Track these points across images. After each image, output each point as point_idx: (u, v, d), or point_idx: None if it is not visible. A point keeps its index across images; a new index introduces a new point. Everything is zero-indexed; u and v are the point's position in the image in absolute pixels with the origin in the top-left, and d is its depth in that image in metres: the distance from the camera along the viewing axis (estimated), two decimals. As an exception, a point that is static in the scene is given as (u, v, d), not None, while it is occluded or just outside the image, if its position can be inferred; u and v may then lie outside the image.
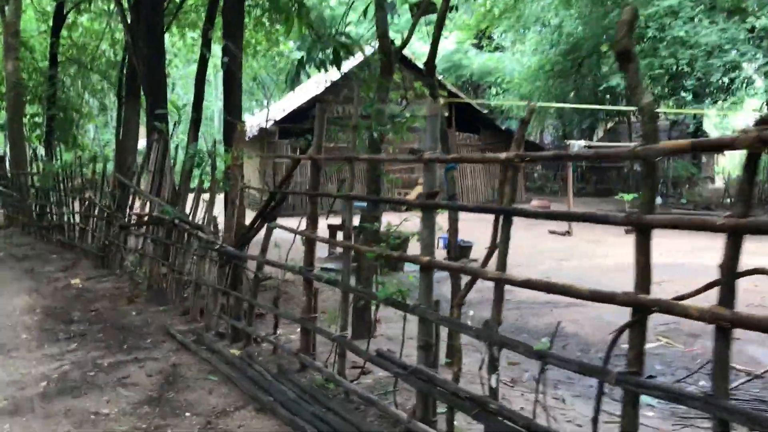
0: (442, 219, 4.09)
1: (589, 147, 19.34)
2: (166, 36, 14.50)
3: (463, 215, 4.53)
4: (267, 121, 15.96)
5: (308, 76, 5.30)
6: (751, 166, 2.20)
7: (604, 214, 2.82)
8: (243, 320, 5.72)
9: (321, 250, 10.26)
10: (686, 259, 10.53)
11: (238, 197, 6.20)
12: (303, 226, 5.03)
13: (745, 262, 2.36)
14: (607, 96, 27.01)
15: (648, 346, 6.44)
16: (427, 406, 3.66)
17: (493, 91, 32.63)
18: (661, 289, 8.01)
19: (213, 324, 6.17)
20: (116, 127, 18.00)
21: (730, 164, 32.38)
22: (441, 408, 3.78)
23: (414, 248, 4.59)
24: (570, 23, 25.71)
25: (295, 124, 21.82)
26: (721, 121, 32.15)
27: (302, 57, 5.67)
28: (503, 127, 27.28)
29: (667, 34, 20.11)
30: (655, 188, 2.69)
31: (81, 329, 6.45)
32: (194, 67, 20.63)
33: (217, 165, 7.06)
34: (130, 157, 12.12)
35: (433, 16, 6.01)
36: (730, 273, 2.30)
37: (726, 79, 22.53)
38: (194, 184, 7.87)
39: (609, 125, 32.88)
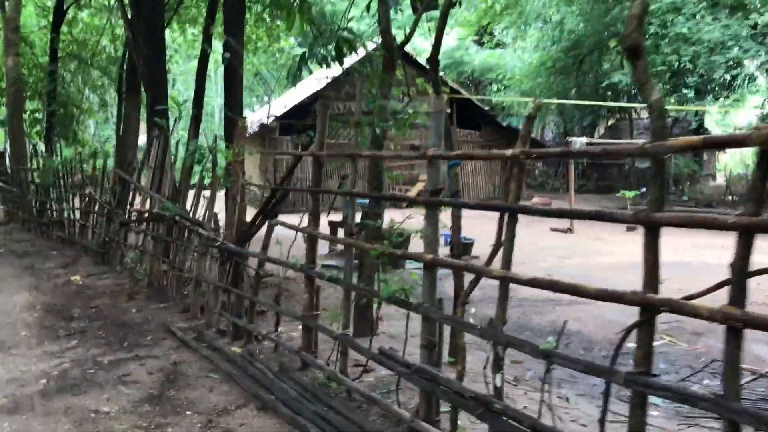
0: (444, 216, 4.05)
1: (591, 144, 19.26)
2: (167, 32, 14.45)
3: (463, 212, 4.50)
4: (268, 117, 15.90)
5: (310, 72, 5.25)
6: (763, 163, 2.16)
7: (611, 212, 2.78)
8: (244, 318, 5.68)
9: (321, 247, 10.22)
10: (688, 257, 10.50)
11: (239, 194, 6.16)
12: (304, 222, 4.99)
13: (755, 260, 2.32)
14: (609, 93, 26.93)
15: (655, 344, 6.42)
16: (431, 405, 3.63)
17: (494, 87, 32.55)
18: (664, 287, 7.98)
19: (214, 321, 6.13)
20: (116, 123, 17.96)
21: (731, 161, 32.33)
22: (444, 407, 3.75)
23: (415, 245, 4.56)
24: (571, 20, 25.63)
25: (296, 120, 21.78)
26: (722, 118, 32.05)
27: (304, 52, 5.62)
28: (504, 124, 27.21)
29: (669, 30, 20.03)
30: (664, 186, 2.64)
31: (81, 326, 6.41)
32: (194, 64, 20.57)
33: (218, 161, 7.02)
34: (131, 153, 12.09)
35: (435, 13, 5.96)
36: (741, 272, 2.25)
37: (728, 76, 22.46)
38: (195, 180, 7.83)
39: (610, 122, 32.82)
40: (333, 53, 5.43)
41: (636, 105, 26.35)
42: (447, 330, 3.98)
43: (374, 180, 5.47)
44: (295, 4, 6.86)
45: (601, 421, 2.73)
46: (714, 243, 10.90)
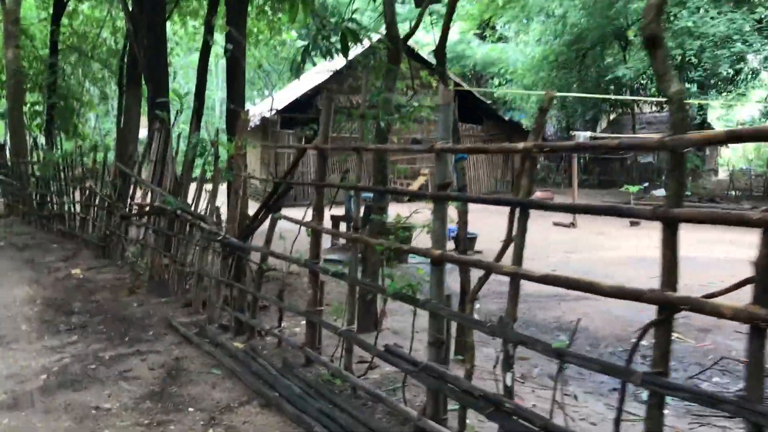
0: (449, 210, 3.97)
1: (595, 138, 19.17)
2: (167, 24, 14.34)
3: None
4: (270, 110, 15.81)
5: (314, 64, 5.16)
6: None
7: (628, 207, 2.70)
8: (247, 313, 5.61)
9: (324, 241, 10.17)
10: (694, 252, 10.41)
11: (241, 187, 6.08)
12: (307, 217, 4.92)
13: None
14: (611, 87, 26.82)
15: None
16: (438, 403, 3.56)
17: (496, 81, 32.43)
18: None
19: (216, 316, 6.06)
20: (117, 116, 17.88)
21: (734, 157, 32.23)
22: (452, 405, 3.68)
23: (417, 240, 4.49)
24: (574, 13, 25.50)
25: (298, 114, 21.68)
26: (725, 113, 31.94)
27: (308, 44, 5.53)
28: (506, 118, 27.09)
29: (673, 24, 19.92)
30: (683, 181, 2.56)
31: (82, 321, 6.34)
32: (195, 57, 20.47)
33: (220, 154, 6.94)
34: (132, 146, 12.01)
35: (436, 6, 5.87)
36: (765, 270, 2.17)
37: (731, 71, 22.35)
38: (196, 174, 7.75)
39: (612, 117, 32.70)
40: (337, 45, 5.34)
41: (639, 98, 26.22)
42: (452, 326, 3.90)
43: (379, 174, 5.39)
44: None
45: (617, 421, 2.66)
46: (722, 238, 10.86)
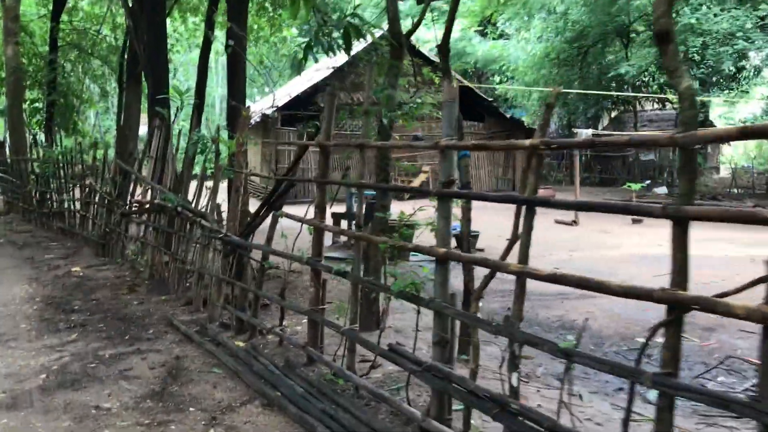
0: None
1: (596, 136, 19.12)
2: (168, 21, 14.27)
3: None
4: (272, 107, 15.75)
5: (316, 60, 5.10)
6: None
7: (638, 205, 2.64)
8: (248, 311, 5.57)
9: (325, 239, 10.13)
10: (694, 250, 10.37)
11: (242, 185, 6.04)
12: (309, 214, 4.87)
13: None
14: (612, 84, 26.74)
15: (662, 340, 6.30)
16: (442, 403, 3.51)
17: (497, 79, 32.34)
18: (669, 281, 7.83)
19: (216, 315, 6.02)
20: (117, 113, 17.82)
21: (735, 154, 32.15)
22: (456, 405, 3.64)
23: (420, 238, 4.43)
24: (576, 10, 25.42)
25: (297, 111, 21.63)
26: (727, 110, 31.85)
27: (310, 40, 5.47)
28: (508, 115, 27.01)
29: (677, 21, 19.86)
30: (695, 178, 2.51)
31: (81, 319, 6.30)
32: (195, 54, 20.38)
33: (221, 151, 6.88)
34: (132, 144, 11.95)
35: (438, 3, 5.82)
36: (780, 270, 2.12)
37: (734, 68, 22.29)
38: (197, 170, 7.70)
39: (613, 114, 32.64)
40: (339, 41, 5.29)
41: (642, 95, 26.15)
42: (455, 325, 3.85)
43: (381, 171, 5.34)
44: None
45: (625, 422, 2.62)
46: (721, 237, 10.80)
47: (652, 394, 4.13)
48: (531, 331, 5.84)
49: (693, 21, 19.54)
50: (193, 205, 7.05)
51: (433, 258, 3.62)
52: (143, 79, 12.22)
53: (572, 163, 21.47)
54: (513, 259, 3.07)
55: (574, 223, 15.33)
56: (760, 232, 12.06)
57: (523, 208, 3.02)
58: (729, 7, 19.88)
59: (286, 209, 5.35)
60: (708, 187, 24.83)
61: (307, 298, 5.76)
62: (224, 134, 7.06)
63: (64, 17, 18.66)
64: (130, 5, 12.40)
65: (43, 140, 17.18)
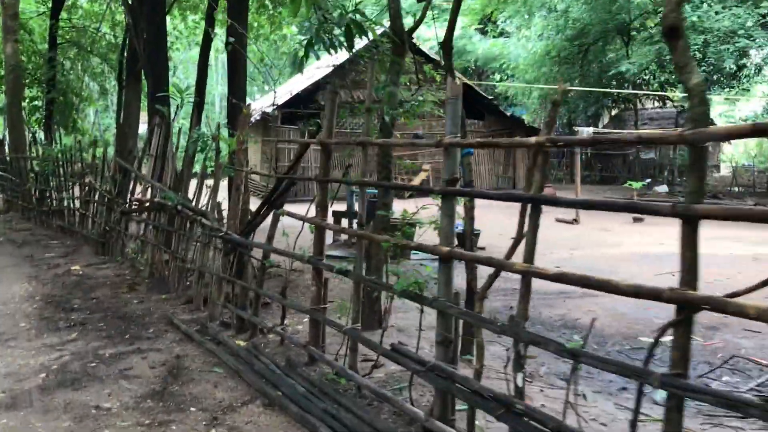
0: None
1: (597, 134, 19.07)
2: (167, 19, 14.21)
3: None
4: (273, 104, 15.70)
5: (317, 58, 5.06)
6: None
7: (645, 203, 2.61)
8: (249, 310, 5.53)
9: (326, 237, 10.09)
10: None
11: (243, 183, 6.00)
12: (310, 212, 4.83)
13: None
14: (613, 82, 26.70)
15: (664, 338, 6.26)
16: (446, 403, 3.48)
17: (497, 77, 32.29)
18: (676, 279, 7.78)
19: (217, 313, 5.98)
20: (117, 111, 17.74)
21: (736, 153, 32.12)
22: (459, 405, 3.60)
23: (422, 236, 4.40)
24: (576, 8, 25.37)
25: (298, 109, 21.58)
26: (728, 108, 31.80)
27: (311, 38, 5.43)
28: (508, 114, 26.97)
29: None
30: (704, 176, 2.47)
31: (81, 318, 6.26)
32: (195, 52, 20.30)
33: (221, 149, 6.84)
34: (131, 142, 11.90)
35: (438, 1, 5.78)
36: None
37: (734, 66, 22.25)
38: (197, 169, 7.66)
39: (614, 112, 32.59)
40: (341, 38, 5.24)
41: (645, 93, 26.09)
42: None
43: (384, 169, 5.29)
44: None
45: (633, 424, 2.58)
46: (725, 235, 10.76)
47: (658, 394, 4.10)
48: (533, 330, 5.78)
49: (694, 19, 19.48)
50: (193, 203, 7.01)
51: (435, 256, 3.59)
52: (143, 76, 12.16)
53: (572, 162, 21.41)
54: (516, 257, 3.04)
55: (575, 221, 15.30)
56: (766, 230, 12.04)
57: (529, 206, 2.99)
58: (730, 5, 19.83)
59: (287, 208, 5.31)
60: (708, 186, 24.78)
61: (308, 297, 5.73)
62: (224, 132, 7.02)
63: (64, 15, 18.59)
64: (130, 3, 12.34)
65: (43, 138, 17.13)
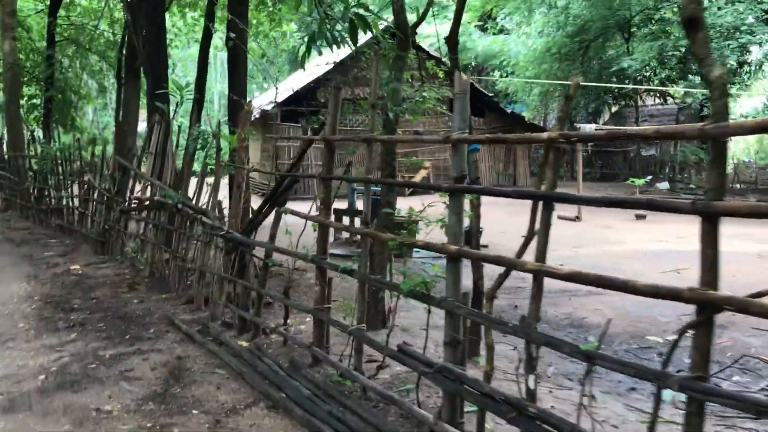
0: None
1: (599, 130, 18.98)
2: (166, 16, 14.11)
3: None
4: (275, 100, 15.61)
5: (320, 53, 4.97)
6: None
7: (664, 200, 2.53)
8: (251, 310, 5.45)
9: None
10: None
11: (244, 181, 5.91)
12: (312, 210, 4.75)
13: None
14: (613, 79, 26.60)
15: (672, 338, 6.19)
16: (455, 406, 3.40)
17: (497, 74, 32.18)
18: (681, 277, 7.69)
19: (218, 313, 5.90)
20: (116, 109, 17.66)
21: (737, 149, 32.05)
22: (468, 407, 3.53)
23: (424, 235, 4.32)
24: (577, 5, 25.27)
25: (297, 106, 21.48)
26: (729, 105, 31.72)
27: (313, 33, 5.34)
28: (508, 111, 26.87)
29: (680, 15, 19.72)
30: (725, 172, 2.39)
31: (81, 318, 6.18)
32: (194, 50, 20.17)
33: (222, 147, 6.76)
34: (131, 140, 11.83)
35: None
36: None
37: (735, 63, 22.17)
38: (198, 166, 7.57)
39: (614, 109, 32.49)
40: (343, 34, 5.15)
41: (650, 88, 26.00)
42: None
43: (387, 166, 5.21)
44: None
45: (651, 429, 2.50)
46: (729, 232, 10.67)
47: (669, 395, 4.03)
48: (539, 329, 5.72)
49: (697, 14, 19.37)
50: (193, 201, 6.92)
51: (438, 255, 3.51)
52: (142, 74, 12.07)
53: (573, 159, 21.33)
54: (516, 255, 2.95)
55: (577, 218, 15.23)
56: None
57: (540, 203, 2.91)
58: (733, 0, 19.73)
59: (288, 206, 5.23)
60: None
61: (311, 297, 5.65)
62: (225, 129, 6.94)
63: (62, 12, 18.49)
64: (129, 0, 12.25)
65: (41, 136, 17.03)
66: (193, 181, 7.29)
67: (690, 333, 2.37)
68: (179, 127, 8.39)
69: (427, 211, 4.43)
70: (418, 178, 22.06)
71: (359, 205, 10.08)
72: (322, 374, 4.42)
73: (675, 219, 13.16)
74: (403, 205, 5.28)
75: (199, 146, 7.19)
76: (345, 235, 10.73)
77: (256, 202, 5.88)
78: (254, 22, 17.56)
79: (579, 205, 2.98)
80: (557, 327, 6.38)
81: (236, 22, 7.33)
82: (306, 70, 22.83)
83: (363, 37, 5.67)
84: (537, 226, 2.95)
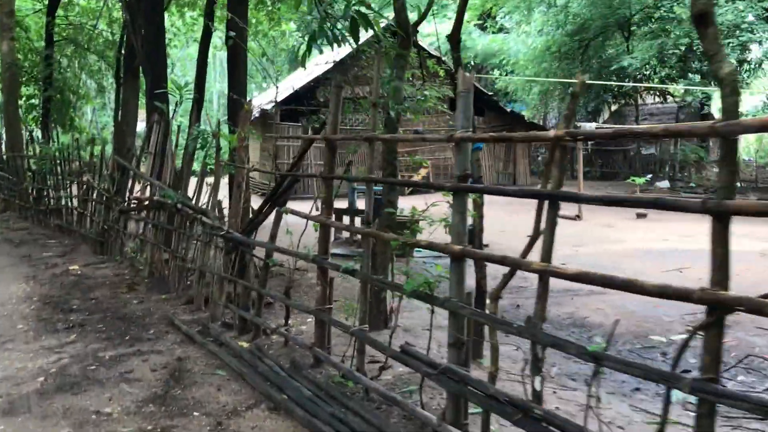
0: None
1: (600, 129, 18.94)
2: (165, 15, 14.06)
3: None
4: (275, 100, 15.56)
5: (321, 52, 4.93)
6: None
7: (674, 200, 2.49)
8: (251, 310, 5.41)
9: (327, 236, 9.96)
10: (705, 244, 10.23)
11: (244, 180, 5.87)
12: (314, 210, 4.71)
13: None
14: (613, 78, 26.56)
15: (676, 337, 6.15)
16: (459, 407, 3.36)
17: (497, 73, 32.13)
18: (683, 276, 7.64)
19: (219, 314, 5.86)
20: (114, 108, 17.61)
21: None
22: (472, 409, 3.48)
23: (426, 234, 4.28)
24: (576, 3, 25.22)
25: (297, 106, 21.43)
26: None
27: (314, 32, 5.30)
28: (508, 110, 26.82)
29: (680, 13, 19.71)
30: (736, 170, 2.35)
31: (80, 319, 6.13)
32: (192, 49, 20.11)
33: (222, 146, 6.71)
34: (130, 139, 11.78)
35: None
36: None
37: (735, 61, 22.14)
38: (197, 166, 7.52)
39: (614, 108, 32.45)
40: (344, 32, 5.11)
41: (651, 86, 25.96)
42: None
43: (389, 165, 5.17)
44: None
45: (660, 431, 2.46)
46: (732, 231, 10.65)
47: (676, 396, 3.99)
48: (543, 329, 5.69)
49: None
50: (193, 201, 6.88)
51: (438, 254, 3.47)
52: (141, 73, 12.02)
53: (574, 157, 21.30)
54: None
55: (578, 217, 15.19)
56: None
57: (546, 203, 2.87)
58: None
59: (289, 205, 5.19)
60: (711, 181, 24.68)
61: (312, 297, 5.61)
62: (225, 129, 6.89)
63: (60, 12, 18.43)
64: (127, -1, 12.19)
65: (40, 136, 16.98)
66: (193, 181, 7.25)
67: (699, 334, 2.33)
68: (178, 126, 8.34)
69: (429, 211, 4.40)
70: (418, 177, 22.03)
71: (359, 204, 10.05)
72: (323, 375, 4.38)
73: (677, 218, 13.11)
74: (403, 204, 5.25)
75: (198, 146, 7.15)
76: (344, 234, 10.69)
77: (256, 202, 5.84)
78: (253, 21, 17.52)
79: (584, 204, 2.94)
80: (560, 327, 6.34)
81: (236, 21, 7.29)
82: (306, 69, 22.80)
83: (363, 36, 5.63)
84: (542, 225, 2.92)
